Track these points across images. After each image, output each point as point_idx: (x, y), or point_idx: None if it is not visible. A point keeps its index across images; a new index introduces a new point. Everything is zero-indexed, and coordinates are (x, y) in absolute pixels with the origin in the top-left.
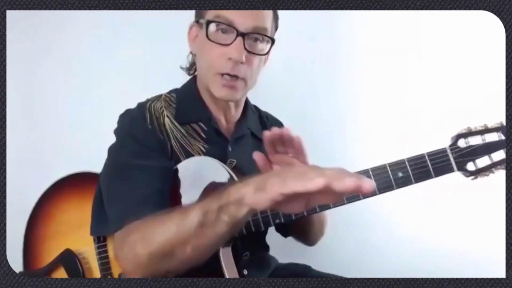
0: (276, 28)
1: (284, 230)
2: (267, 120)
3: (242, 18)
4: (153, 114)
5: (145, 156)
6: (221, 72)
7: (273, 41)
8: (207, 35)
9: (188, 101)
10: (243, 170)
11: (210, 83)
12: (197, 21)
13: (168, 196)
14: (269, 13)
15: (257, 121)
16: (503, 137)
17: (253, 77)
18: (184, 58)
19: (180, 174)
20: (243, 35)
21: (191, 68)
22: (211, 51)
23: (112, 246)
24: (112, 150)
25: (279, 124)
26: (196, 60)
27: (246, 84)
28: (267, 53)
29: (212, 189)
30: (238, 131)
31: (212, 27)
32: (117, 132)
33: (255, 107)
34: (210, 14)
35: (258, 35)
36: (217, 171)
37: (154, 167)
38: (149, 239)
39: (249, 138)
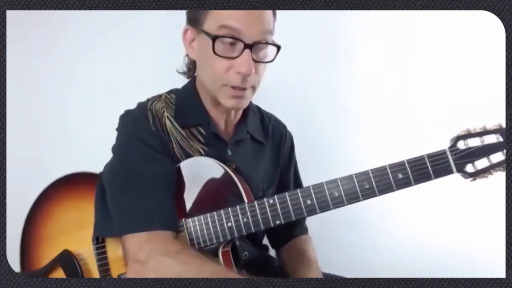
0: (275, 19)
1: (276, 242)
2: (269, 122)
3: (248, 29)
4: (155, 114)
5: (151, 158)
6: (230, 85)
7: (278, 47)
8: (214, 51)
9: (187, 105)
10: (243, 173)
11: (217, 94)
12: (190, 24)
13: (175, 204)
14: (269, 14)
15: (258, 124)
16: (501, 139)
17: (260, 82)
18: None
19: (182, 173)
20: (250, 47)
21: (189, 72)
22: (217, 64)
23: (112, 246)
24: (116, 151)
25: (282, 126)
26: (197, 65)
27: (254, 90)
28: (274, 59)
29: (212, 185)
30: (237, 135)
31: (219, 41)
32: (119, 133)
33: (258, 108)
34: (212, 22)
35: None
36: (217, 170)
37: (161, 175)
38: (175, 269)
39: (248, 142)
